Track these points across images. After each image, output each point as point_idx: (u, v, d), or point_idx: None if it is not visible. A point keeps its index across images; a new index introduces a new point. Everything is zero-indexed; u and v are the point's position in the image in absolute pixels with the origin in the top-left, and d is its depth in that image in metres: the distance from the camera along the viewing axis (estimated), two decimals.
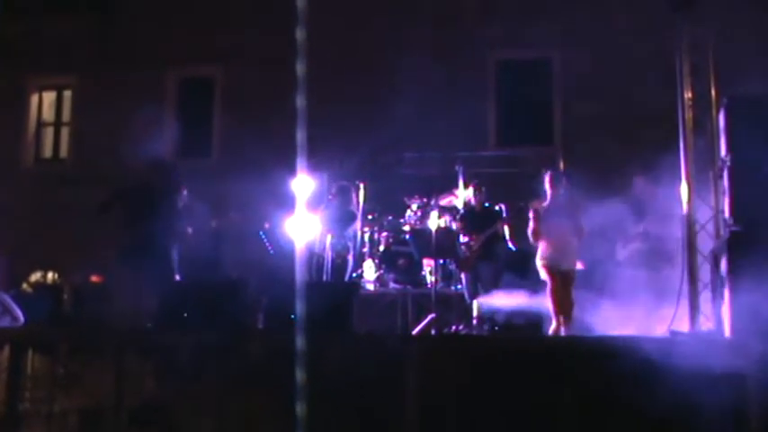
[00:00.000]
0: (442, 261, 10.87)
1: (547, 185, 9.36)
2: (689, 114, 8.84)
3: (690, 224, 8.57)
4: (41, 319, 9.40)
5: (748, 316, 6.62)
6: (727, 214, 7.31)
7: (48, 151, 17.23)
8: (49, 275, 14.49)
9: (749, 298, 6.60)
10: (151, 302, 8.85)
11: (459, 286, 10.76)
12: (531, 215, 9.30)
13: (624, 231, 9.80)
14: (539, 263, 9.21)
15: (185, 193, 10.61)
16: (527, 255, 9.97)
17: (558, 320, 8.88)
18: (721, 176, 7.65)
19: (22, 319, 8.86)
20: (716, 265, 7.74)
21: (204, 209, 10.61)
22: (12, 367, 7.94)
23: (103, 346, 7.61)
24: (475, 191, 10.68)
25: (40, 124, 17.23)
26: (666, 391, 6.10)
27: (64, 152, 17.00)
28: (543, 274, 9.17)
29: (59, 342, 7.96)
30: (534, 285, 9.68)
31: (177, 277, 9.58)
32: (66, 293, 10.72)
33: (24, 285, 12.80)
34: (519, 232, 10.24)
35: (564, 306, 8.91)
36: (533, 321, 9.19)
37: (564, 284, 9.01)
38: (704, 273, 8.33)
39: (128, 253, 9.32)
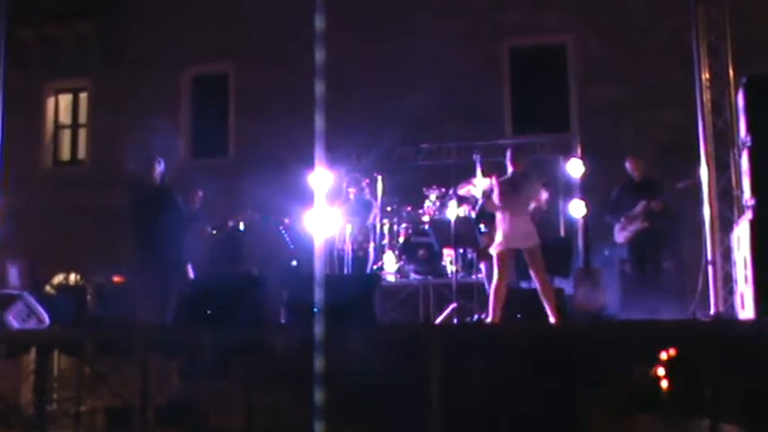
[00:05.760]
0: (461, 250, 10.86)
1: (508, 162, 8.64)
2: (707, 95, 8.81)
3: (711, 205, 8.55)
4: (66, 320, 9.44)
5: None
6: (747, 195, 7.27)
7: (65, 153, 17.35)
8: (72, 277, 14.60)
9: None
10: (167, 301, 8.92)
11: (479, 275, 10.72)
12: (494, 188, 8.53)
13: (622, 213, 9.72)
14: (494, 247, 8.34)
15: (200, 194, 10.72)
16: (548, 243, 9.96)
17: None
18: (741, 157, 7.60)
19: (47, 320, 8.90)
20: (737, 245, 7.70)
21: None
22: (39, 369, 8.02)
23: (128, 345, 7.63)
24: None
25: (58, 127, 17.34)
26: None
27: (82, 154, 17.11)
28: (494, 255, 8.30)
29: (85, 342, 8.01)
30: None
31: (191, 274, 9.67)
32: (89, 294, 10.77)
33: (47, 287, 12.89)
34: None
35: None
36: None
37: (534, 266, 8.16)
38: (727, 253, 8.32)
39: (140, 254, 9.39)
